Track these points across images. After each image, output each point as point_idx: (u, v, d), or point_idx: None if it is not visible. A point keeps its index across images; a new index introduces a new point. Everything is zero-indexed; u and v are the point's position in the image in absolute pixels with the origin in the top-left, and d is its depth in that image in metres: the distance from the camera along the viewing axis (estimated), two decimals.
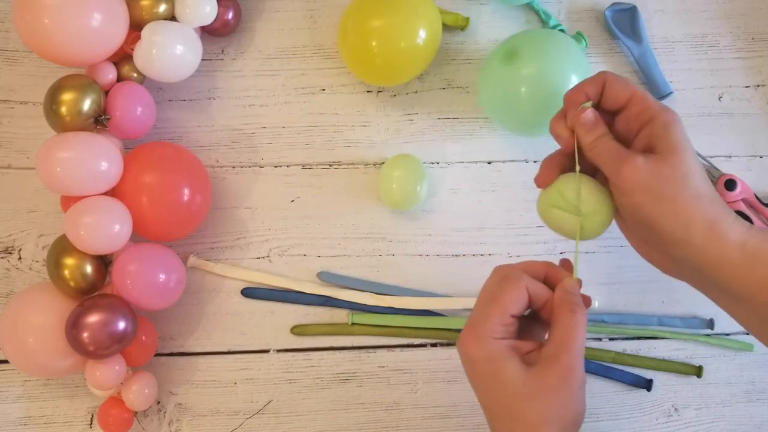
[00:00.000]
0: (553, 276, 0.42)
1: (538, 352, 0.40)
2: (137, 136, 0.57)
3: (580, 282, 0.41)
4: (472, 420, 0.59)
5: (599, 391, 0.60)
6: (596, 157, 0.41)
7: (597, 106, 0.42)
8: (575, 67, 0.55)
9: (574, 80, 0.55)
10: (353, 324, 0.59)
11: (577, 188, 0.41)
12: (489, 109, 0.59)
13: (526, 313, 0.42)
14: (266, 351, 0.60)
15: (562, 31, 0.62)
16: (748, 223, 0.39)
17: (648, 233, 0.40)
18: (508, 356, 0.39)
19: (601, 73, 0.42)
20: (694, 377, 0.60)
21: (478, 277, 0.60)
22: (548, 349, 0.39)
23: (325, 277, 0.60)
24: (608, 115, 0.42)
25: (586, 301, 0.41)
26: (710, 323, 0.60)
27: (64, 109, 0.51)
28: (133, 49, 0.55)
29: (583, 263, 0.61)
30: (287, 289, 0.60)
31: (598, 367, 0.59)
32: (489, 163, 0.62)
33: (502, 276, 0.41)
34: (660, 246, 0.40)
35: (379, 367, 0.60)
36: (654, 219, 0.38)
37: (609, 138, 0.41)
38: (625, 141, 0.41)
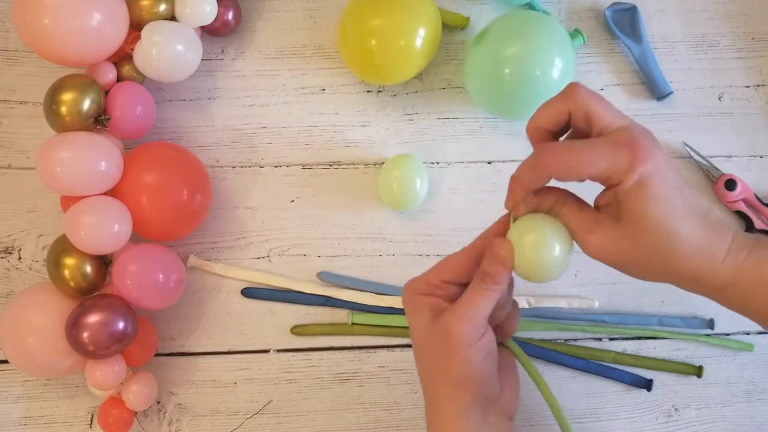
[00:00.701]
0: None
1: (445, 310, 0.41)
2: (137, 136, 0.57)
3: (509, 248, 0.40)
4: None
5: (599, 391, 0.60)
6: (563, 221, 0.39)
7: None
8: (557, 47, 0.55)
9: (558, 63, 0.55)
10: (353, 324, 0.59)
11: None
12: (473, 92, 0.60)
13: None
14: (266, 351, 0.60)
15: None
16: (735, 254, 0.37)
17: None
18: (420, 308, 0.41)
19: (567, 95, 0.38)
20: (695, 377, 0.60)
21: None
22: (446, 310, 0.40)
23: (325, 277, 0.60)
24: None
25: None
26: (710, 323, 0.60)
27: (64, 109, 0.51)
28: (133, 49, 0.55)
29: (584, 263, 0.61)
30: (287, 289, 0.60)
31: (598, 367, 0.59)
32: (489, 163, 0.62)
33: (430, 318, 0.41)
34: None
35: (379, 367, 0.60)
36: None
37: (563, 206, 0.39)
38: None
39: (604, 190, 0.39)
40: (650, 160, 0.34)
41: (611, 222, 0.37)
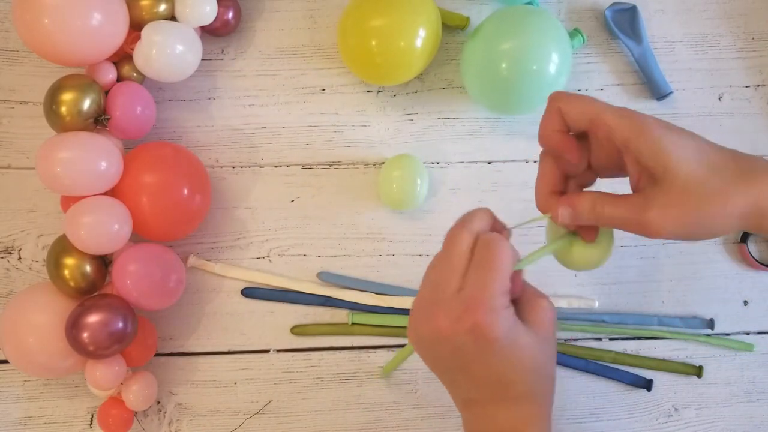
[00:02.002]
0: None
1: (517, 307, 0.39)
2: (137, 136, 0.57)
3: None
4: None
5: (599, 391, 0.60)
6: (607, 224, 0.38)
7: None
8: (553, 41, 0.55)
9: (554, 57, 0.55)
10: (353, 324, 0.59)
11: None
12: (470, 88, 0.60)
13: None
14: (266, 351, 0.60)
15: None
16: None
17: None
18: (520, 330, 0.37)
19: (552, 100, 0.39)
20: (695, 377, 0.60)
21: None
22: (527, 296, 0.39)
23: (325, 277, 0.60)
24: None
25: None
26: (710, 323, 0.60)
27: (64, 109, 0.51)
28: (133, 49, 0.55)
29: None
30: (287, 289, 0.60)
31: (598, 367, 0.59)
32: (489, 163, 0.62)
33: (483, 239, 0.38)
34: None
35: (379, 367, 0.60)
36: (699, 237, 0.37)
37: (603, 205, 0.38)
38: (613, 167, 0.39)
39: (632, 174, 0.38)
40: (655, 120, 0.35)
41: (654, 196, 0.36)
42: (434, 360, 0.40)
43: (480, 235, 0.38)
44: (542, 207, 0.41)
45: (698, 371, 0.60)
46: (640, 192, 0.37)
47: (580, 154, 0.39)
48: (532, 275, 0.60)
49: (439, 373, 0.41)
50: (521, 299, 0.39)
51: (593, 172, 0.41)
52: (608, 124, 0.36)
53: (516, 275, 0.39)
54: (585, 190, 0.41)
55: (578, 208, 0.39)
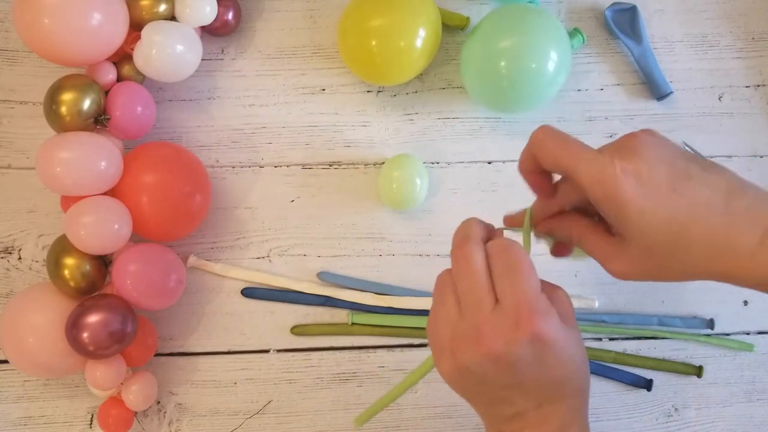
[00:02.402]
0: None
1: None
2: (137, 136, 0.57)
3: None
4: (472, 420, 0.59)
5: (599, 391, 0.60)
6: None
7: None
8: (552, 40, 0.55)
9: (553, 56, 0.55)
10: (353, 324, 0.59)
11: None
12: (469, 87, 0.60)
13: None
14: (266, 351, 0.60)
15: None
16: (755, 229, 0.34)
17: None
18: (564, 327, 0.35)
19: (530, 143, 0.38)
20: (695, 377, 0.60)
21: None
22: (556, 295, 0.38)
23: (325, 277, 0.60)
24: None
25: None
26: (710, 323, 0.60)
27: (64, 109, 0.51)
28: (133, 49, 0.55)
29: (584, 263, 0.61)
30: (287, 289, 0.60)
31: (599, 367, 0.59)
32: (489, 163, 0.62)
33: (502, 247, 0.36)
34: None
35: (379, 367, 0.60)
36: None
37: (581, 237, 0.39)
38: (589, 207, 0.39)
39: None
40: (622, 174, 0.33)
41: (622, 248, 0.36)
42: (480, 387, 0.37)
43: (489, 245, 0.37)
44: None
45: (698, 371, 0.60)
46: (615, 236, 0.37)
47: (552, 194, 0.40)
48: None
49: (483, 400, 0.38)
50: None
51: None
52: (580, 183, 0.35)
53: None
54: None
55: (558, 234, 0.40)
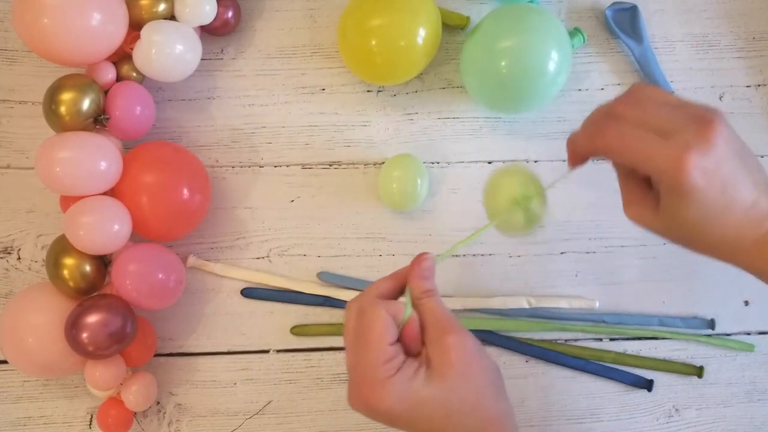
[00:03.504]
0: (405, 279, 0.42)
1: (425, 354, 0.39)
2: (137, 135, 0.57)
3: (430, 260, 0.42)
4: None
5: (600, 392, 0.60)
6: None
7: None
8: (553, 39, 0.55)
9: (554, 55, 0.55)
10: None
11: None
12: (470, 86, 0.60)
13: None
14: (266, 351, 0.59)
15: None
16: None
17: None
18: (413, 381, 0.37)
19: (599, 137, 0.38)
20: (695, 377, 0.60)
21: (478, 278, 0.60)
22: (435, 340, 0.39)
23: (324, 277, 0.60)
24: None
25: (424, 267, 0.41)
26: (711, 323, 0.60)
27: (63, 109, 0.51)
28: (132, 49, 0.55)
29: (584, 263, 0.61)
30: (287, 289, 0.60)
31: (599, 367, 0.59)
32: (489, 163, 0.62)
33: (357, 312, 0.39)
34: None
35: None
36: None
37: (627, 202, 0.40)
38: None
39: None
40: (694, 170, 0.34)
41: (653, 202, 0.38)
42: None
43: (359, 305, 0.39)
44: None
45: (699, 371, 0.59)
46: (652, 191, 0.38)
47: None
48: (531, 275, 0.60)
49: None
50: (427, 343, 0.39)
51: None
52: (649, 173, 0.36)
53: (411, 327, 0.39)
54: None
55: (602, 153, 0.38)
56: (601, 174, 0.47)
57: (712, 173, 0.35)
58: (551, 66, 0.55)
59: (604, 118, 0.38)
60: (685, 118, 0.35)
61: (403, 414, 0.37)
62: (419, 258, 0.41)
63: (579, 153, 0.40)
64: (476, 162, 0.62)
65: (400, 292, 0.42)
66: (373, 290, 0.41)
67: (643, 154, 0.35)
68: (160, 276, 0.53)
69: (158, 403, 0.58)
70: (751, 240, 0.37)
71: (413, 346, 0.40)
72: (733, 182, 0.35)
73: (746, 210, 0.36)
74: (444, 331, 0.38)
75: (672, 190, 0.35)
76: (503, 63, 0.55)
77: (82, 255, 0.52)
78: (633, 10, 0.63)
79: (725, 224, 0.36)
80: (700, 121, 0.35)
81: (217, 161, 0.62)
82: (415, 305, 0.40)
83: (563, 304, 0.60)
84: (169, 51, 0.54)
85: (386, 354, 0.38)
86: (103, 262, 0.53)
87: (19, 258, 0.60)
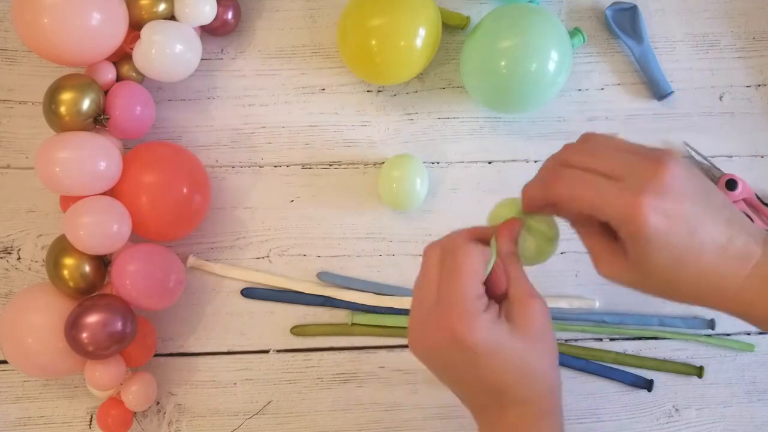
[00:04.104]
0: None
1: (506, 308, 0.38)
2: (137, 135, 0.57)
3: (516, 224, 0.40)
4: (472, 421, 0.59)
5: (600, 392, 0.60)
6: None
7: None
8: (553, 39, 0.55)
9: (554, 55, 0.55)
10: (353, 324, 0.59)
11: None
12: (469, 86, 0.60)
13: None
14: (266, 351, 0.59)
15: None
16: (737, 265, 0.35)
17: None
18: (499, 323, 0.37)
19: (548, 188, 0.37)
20: (695, 377, 0.60)
21: None
22: (515, 295, 0.38)
23: (324, 277, 0.60)
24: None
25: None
26: (711, 323, 0.60)
27: (63, 109, 0.51)
28: (132, 49, 0.55)
29: (585, 263, 0.61)
30: (287, 289, 0.60)
31: (599, 367, 0.59)
32: (489, 163, 0.62)
33: (445, 250, 0.39)
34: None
35: (379, 367, 0.59)
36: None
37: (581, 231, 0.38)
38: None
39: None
40: (652, 212, 0.33)
41: (622, 254, 0.36)
42: (438, 374, 0.40)
43: (444, 244, 0.39)
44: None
45: (699, 371, 0.59)
46: (615, 242, 0.37)
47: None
48: (531, 275, 0.60)
49: (447, 386, 0.41)
50: (511, 299, 0.39)
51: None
52: (605, 220, 0.35)
53: (496, 275, 0.39)
54: None
55: (561, 213, 0.39)
56: None
57: (673, 215, 0.33)
58: (551, 66, 0.55)
59: (554, 166, 0.37)
60: (637, 159, 0.34)
61: (485, 353, 0.36)
62: (509, 221, 0.40)
63: (533, 203, 0.38)
64: (476, 162, 0.62)
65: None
66: (461, 233, 0.40)
67: (597, 201, 0.34)
68: (160, 276, 0.53)
69: (158, 403, 0.58)
70: (735, 287, 0.35)
71: (496, 292, 0.39)
72: (700, 222, 0.34)
73: (720, 250, 0.34)
74: (529, 293, 0.38)
75: (633, 237, 0.34)
76: (503, 63, 0.55)
77: (82, 255, 0.52)
78: (633, 10, 0.63)
79: (701, 269, 0.34)
80: (653, 161, 0.34)
81: (217, 161, 0.62)
82: (501, 261, 0.39)
83: (563, 304, 0.60)
84: (169, 51, 0.54)
85: (479, 289, 0.37)
86: (103, 262, 0.53)
87: (19, 258, 0.60)
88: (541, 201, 0.38)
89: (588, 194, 0.35)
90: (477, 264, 0.37)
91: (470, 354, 0.36)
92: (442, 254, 0.39)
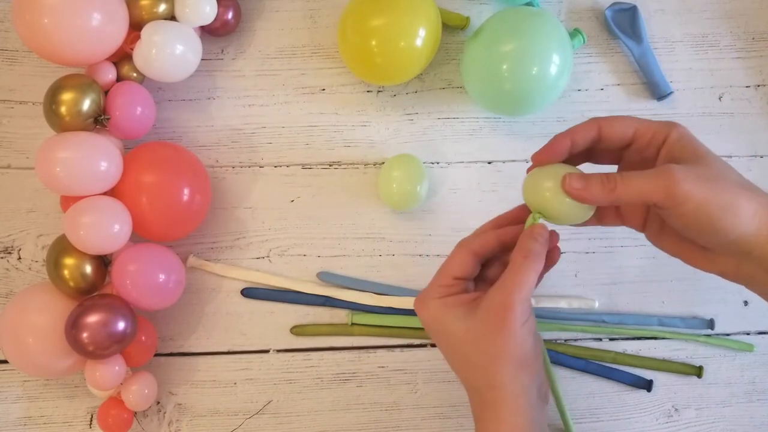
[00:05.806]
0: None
1: (482, 297, 0.41)
2: (137, 136, 0.57)
3: (552, 234, 0.43)
4: (472, 421, 0.59)
5: (599, 392, 0.60)
6: (626, 198, 0.39)
7: (592, 150, 0.43)
8: (554, 43, 0.55)
9: (555, 59, 0.55)
10: (353, 324, 0.59)
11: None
12: (470, 89, 0.60)
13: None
14: (266, 351, 0.59)
15: None
16: None
17: (697, 233, 0.39)
18: (449, 308, 0.42)
19: (592, 121, 0.41)
20: (695, 377, 0.60)
21: None
22: (489, 293, 0.41)
23: (324, 277, 0.60)
24: (611, 153, 0.43)
25: (554, 254, 0.44)
26: (710, 323, 0.60)
27: (63, 109, 0.51)
28: (132, 49, 0.55)
29: (584, 263, 0.61)
30: (287, 289, 0.60)
31: (598, 367, 0.59)
32: (489, 163, 0.62)
33: (458, 246, 0.44)
34: (710, 241, 0.40)
35: (379, 367, 0.59)
36: (706, 219, 0.37)
37: (621, 180, 0.39)
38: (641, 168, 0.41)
39: (657, 159, 0.41)
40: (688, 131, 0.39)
41: (678, 165, 0.38)
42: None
43: (463, 240, 0.45)
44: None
45: (698, 371, 0.59)
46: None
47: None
48: None
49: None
50: (496, 286, 0.41)
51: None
52: (655, 128, 0.40)
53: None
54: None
55: (599, 191, 0.40)
56: None
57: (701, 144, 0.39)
58: (553, 70, 0.55)
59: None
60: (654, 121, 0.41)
61: (434, 332, 0.43)
62: (536, 226, 0.42)
63: (579, 136, 0.42)
64: (476, 162, 0.62)
65: (497, 246, 0.44)
66: (470, 237, 0.45)
67: (638, 123, 0.40)
68: (160, 276, 0.53)
69: (158, 403, 0.58)
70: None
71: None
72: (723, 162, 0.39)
73: (746, 183, 0.39)
74: (512, 290, 0.40)
75: (675, 141, 0.39)
76: (504, 67, 0.55)
77: (82, 255, 0.52)
78: (633, 10, 0.63)
79: (747, 190, 0.38)
80: (675, 142, 0.40)
81: (217, 161, 0.62)
82: (512, 257, 0.41)
83: (563, 304, 0.60)
84: (170, 51, 0.55)
85: (444, 281, 0.43)
86: (103, 262, 0.53)
87: (19, 258, 0.60)
88: (585, 132, 0.41)
89: (629, 119, 0.40)
90: (454, 263, 0.43)
91: (426, 328, 0.44)
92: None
